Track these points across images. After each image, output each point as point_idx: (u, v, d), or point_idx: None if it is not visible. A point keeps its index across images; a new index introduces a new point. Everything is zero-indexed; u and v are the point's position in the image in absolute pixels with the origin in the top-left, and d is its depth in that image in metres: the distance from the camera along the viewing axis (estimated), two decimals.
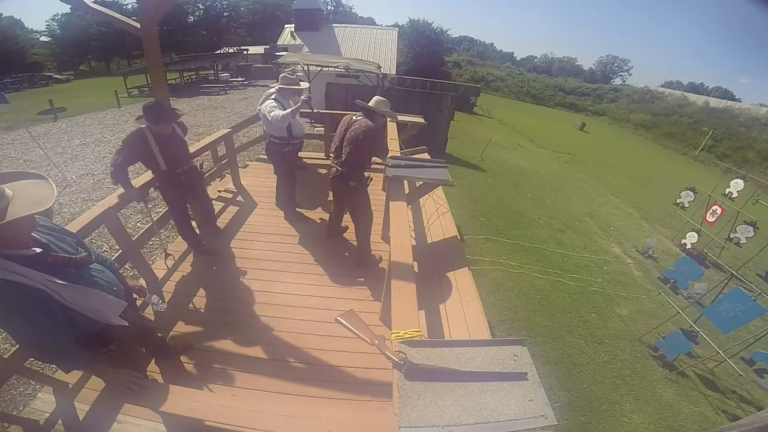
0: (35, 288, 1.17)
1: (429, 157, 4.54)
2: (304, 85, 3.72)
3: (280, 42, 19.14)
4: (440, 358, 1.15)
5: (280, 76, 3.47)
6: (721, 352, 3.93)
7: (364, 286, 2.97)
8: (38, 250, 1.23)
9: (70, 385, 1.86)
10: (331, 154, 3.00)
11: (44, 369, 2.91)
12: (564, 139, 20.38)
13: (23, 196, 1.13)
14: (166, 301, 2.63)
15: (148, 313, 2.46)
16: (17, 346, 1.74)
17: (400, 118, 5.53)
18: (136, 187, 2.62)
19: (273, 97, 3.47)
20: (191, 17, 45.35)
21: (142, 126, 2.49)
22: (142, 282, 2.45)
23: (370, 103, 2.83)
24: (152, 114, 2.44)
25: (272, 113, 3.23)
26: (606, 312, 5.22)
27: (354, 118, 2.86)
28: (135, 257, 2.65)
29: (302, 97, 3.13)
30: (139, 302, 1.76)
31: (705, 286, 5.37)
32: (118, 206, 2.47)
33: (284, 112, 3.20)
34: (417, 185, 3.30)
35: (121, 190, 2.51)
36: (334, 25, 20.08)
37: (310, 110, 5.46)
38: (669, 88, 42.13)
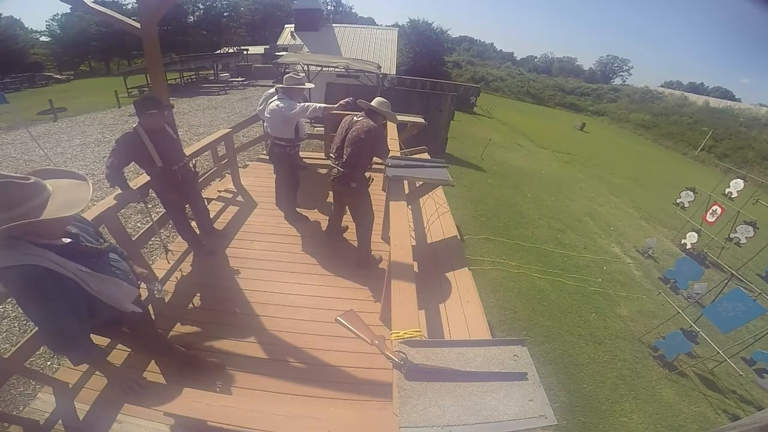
0: (67, 277, 1.23)
1: (429, 157, 4.54)
2: (309, 85, 3.72)
3: (280, 42, 19.14)
4: (440, 358, 1.15)
5: (286, 76, 3.46)
6: (721, 352, 3.93)
7: (364, 286, 2.97)
8: (68, 240, 1.29)
9: (70, 385, 1.86)
10: (331, 155, 3.00)
11: (44, 369, 2.92)
12: (564, 139, 20.38)
13: (61, 195, 1.19)
14: (166, 302, 2.64)
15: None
16: (17, 345, 1.74)
17: (400, 118, 5.53)
18: (135, 188, 2.62)
19: (278, 96, 3.47)
20: (191, 17, 45.35)
21: (134, 125, 2.50)
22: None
23: (372, 103, 2.82)
24: (142, 103, 2.48)
25: (301, 106, 3.21)
26: (606, 312, 5.22)
27: (355, 118, 2.85)
28: (135, 257, 2.65)
29: (347, 100, 3.10)
30: (144, 292, 1.77)
31: (705, 286, 5.37)
32: (118, 206, 2.48)
33: (317, 105, 3.18)
34: (417, 185, 3.30)
35: (118, 192, 2.52)
36: (334, 25, 20.07)
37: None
38: (669, 88, 42.15)
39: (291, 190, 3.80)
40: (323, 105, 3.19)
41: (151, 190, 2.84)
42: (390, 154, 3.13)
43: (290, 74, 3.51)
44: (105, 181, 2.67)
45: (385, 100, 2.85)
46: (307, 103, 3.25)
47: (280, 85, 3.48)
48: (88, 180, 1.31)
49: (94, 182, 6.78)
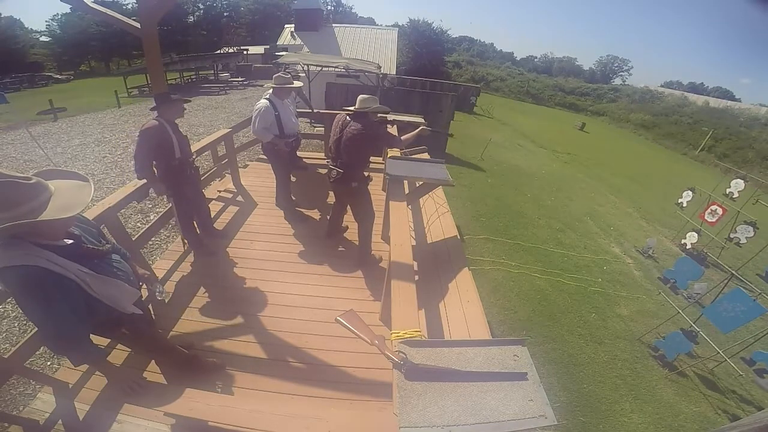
0: (68, 278, 1.22)
1: (429, 157, 4.53)
2: (297, 84, 3.75)
3: (280, 42, 19.14)
4: (440, 358, 1.15)
5: (274, 76, 3.53)
6: (721, 352, 3.93)
7: (364, 286, 2.97)
8: (70, 241, 1.29)
9: (70, 385, 1.86)
10: (329, 155, 3.00)
11: (44, 369, 2.92)
12: (564, 139, 20.36)
13: (63, 196, 1.19)
14: (166, 302, 2.63)
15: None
16: (17, 345, 1.74)
17: (400, 118, 5.53)
18: (136, 188, 2.62)
19: (266, 96, 3.51)
20: (191, 17, 45.36)
21: (154, 119, 2.57)
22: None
23: (356, 105, 2.75)
24: (162, 95, 2.60)
25: (256, 124, 3.39)
26: (606, 312, 5.22)
27: (348, 118, 2.83)
28: (135, 257, 2.65)
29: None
30: (144, 292, 1.77)
31: (705, 286, 5.37)
32: (119, 206, 2.48)
33: (257, 127, 3.39)
34: (417, 185, 3.30)
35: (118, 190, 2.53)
36: (334, 25, 20.06)
37: (310, 110, 5.49)
38: (669, 88, 42.11)
39: (284, 188, 3.83)
40: (260, 128, 3.40)
41: (151, 189, 2.84)
42: (390, 155, 3.13)
43: (279, 74, 3.58)
44: (106, 181, 2.68)
45: (369, 96, 2.77)
46: (258, 116, 3.38)
47: (270, 85, 3.55)
48: (91, 182, 1.31)
49: (95, 181, 6.81)
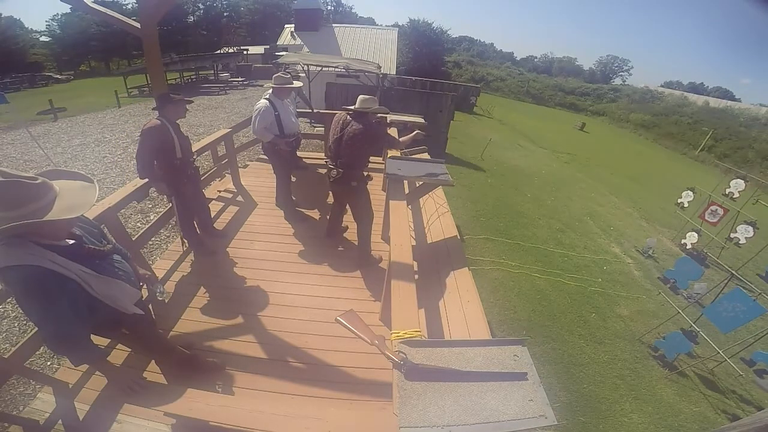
0: (69, 278, 1.22)
1: (429, 157, 4.53)
2: (297, 84, 3.76)
3: (280, 42, 19.14)
4: (440, 358, 1.15)
5: (274, 76, 3.54)
6: (721, 352, 3.93)
7: (364, 286, 2.97)
8: (72, 241, 1.29)
9: (70, 385, 1.85)
10: (328, 155, 3.00)
11: (44, 369, 2.92)
12: (564, 139, 20.37)
13: (67, 197, 1.19)
14: (166, 302, 2.64)
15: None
16: (17, 345, 1.74)
17: (400, 118, 5.54)
18: (136, 188, 2.62)
19: (266, 96, 3.52)
20: (191, 17, 45.38)
21: (156, 118, 2.59)
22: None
23: (356, 105, 2.75)
24: (164, 95, 2.61)
25: (256, 124, 3.39)
26: (606, 312, 5.22)
27: (348, 118, 2.83)
28: (135, 257, 2.65)
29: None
30: (144, 292, 1.77)
31: (705, 286, 5.37)
32: (119, 206, 2.48)
33: (256, 127, 3.40)
34: (417, 185, 3.30)
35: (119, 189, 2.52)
36: (334, 25, 20.07)
37: (310, 110, 5.50)
38: (669, 88, 42.10)
39: (285, 188, 3.83)
40: (260, 128, 3.40)
41: (152, 189, 2.84)
42: (390, 155, 3.13)
43: (279, 74, 3.59)
44: (106, 181, 2.69)
45: (369, 96, 2.78)
46: (258, 126, 3.40)
47: (270, 85, 3.56)
48: (95, 182, 1.31)
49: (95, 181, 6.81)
